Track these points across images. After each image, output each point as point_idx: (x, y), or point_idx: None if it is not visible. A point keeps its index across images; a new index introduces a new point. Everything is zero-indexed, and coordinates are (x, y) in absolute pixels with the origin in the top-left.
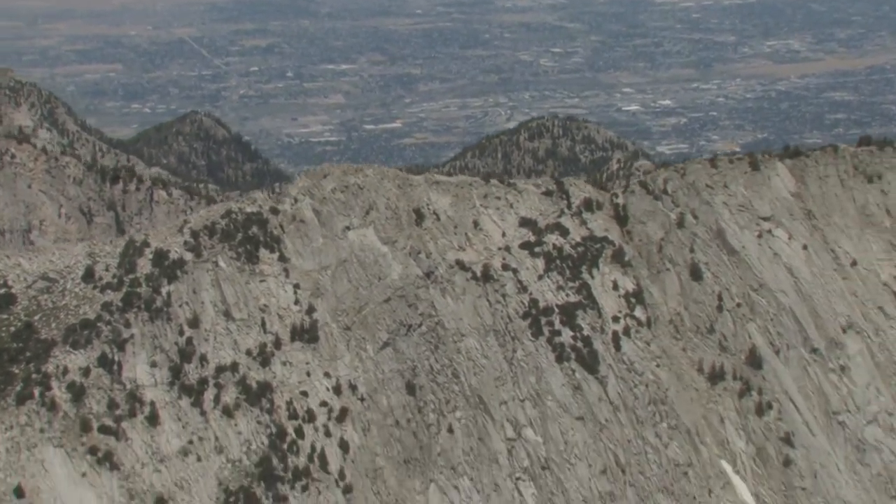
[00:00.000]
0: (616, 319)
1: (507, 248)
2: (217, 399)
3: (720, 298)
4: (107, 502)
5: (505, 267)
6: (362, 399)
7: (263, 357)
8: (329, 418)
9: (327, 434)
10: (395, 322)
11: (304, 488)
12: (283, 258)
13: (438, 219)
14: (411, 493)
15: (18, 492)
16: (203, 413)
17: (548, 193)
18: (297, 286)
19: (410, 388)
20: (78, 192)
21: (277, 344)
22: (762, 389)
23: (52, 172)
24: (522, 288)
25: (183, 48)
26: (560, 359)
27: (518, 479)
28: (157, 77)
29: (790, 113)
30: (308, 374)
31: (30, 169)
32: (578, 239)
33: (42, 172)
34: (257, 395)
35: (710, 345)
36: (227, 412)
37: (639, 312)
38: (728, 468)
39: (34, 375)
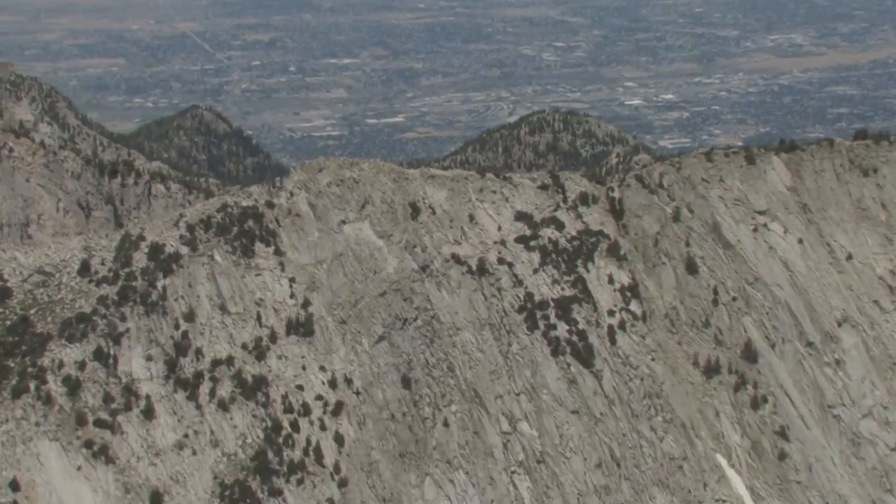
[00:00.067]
0: (611, 313)
1: (503, 242)
2: (212, 393)
3: (716, 292)
4: (102, 496)
5: (500, 261)
6: (358, 393)
7: (259, 351)
8: (324, 412)
9: (323, 428)
10: (391, 316)
11: (300, 482)
12: (278, 252)
13: (434, 213)
14: (406, 487)
15: (14, 485)
16: (198, 407)
17: (543, 187)
18: (292, 280)
19: (406, 382)
20: (76, 187)
21: (273, 338)
22: (757, 383)
23: (51, 166)
24: (518, 282)
25: (185, 42)
26: (555, 352)
27: (513, 472)
28: (160, 71)
29: (793, 107)
30: (303, 368)
31: (28, 163)
32: (574, 233)
33: (40, 166)
34: (253, 388)
35: (706, 338)
36: (223, 406)
37: (634, 306)
38: (723, 462)
39: (30, 369)
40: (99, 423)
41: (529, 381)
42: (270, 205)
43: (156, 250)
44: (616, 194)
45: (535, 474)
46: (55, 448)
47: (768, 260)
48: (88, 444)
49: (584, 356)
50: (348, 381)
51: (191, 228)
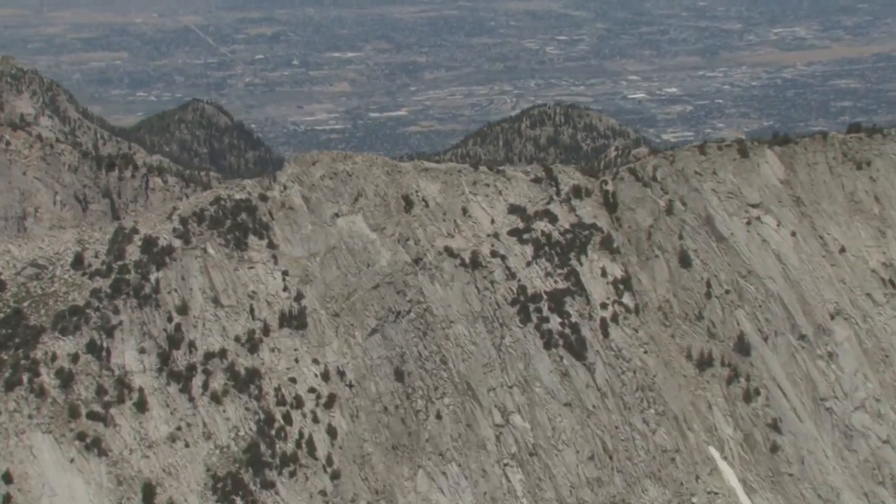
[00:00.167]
0: (604, 306)
1: (496, 235)
2: (205, 385)
3: (709, 285)
4: (95, 488)
5: (493, 254)
6: (350, 385)
7: (252, 343)
8: (317, 405)
9: (315, 420)
10: (384, 309)
11: (292, 474)
12: (271, 245)
13: (427, 206)
14: (399, 480)
15: (6, 477)
16: (191, 399)
17: (537, 180)
18: (285, 273)
19: (399, 375)
20: (73, 180)
21: (266, 330)
22: (750, 376)
23: (48, 160)
24: (511, 275)
25: (188, 36)
26: (548, 345)
27: (506, 465)
28: (163, 65)
29: (796, 101)
30: (296, 361)
31: (25, 156)
32: (567, 226)
33: (37, 160)
34: (245, 381)
35: (699, 331)
36: (216, 398)
37: (627, 299)
38: (715, 454)
39: (23, 362)
40: (92, 416)
41: (522, 374)
42: (264, 198)
43: (149, 243)
44: (609, 187)
45: (528, 467)
46: (48, 440)
47: (761, 253)
48: (81, 437)
49: (577, 349)
50: (341, 374)
51: (184, 221)
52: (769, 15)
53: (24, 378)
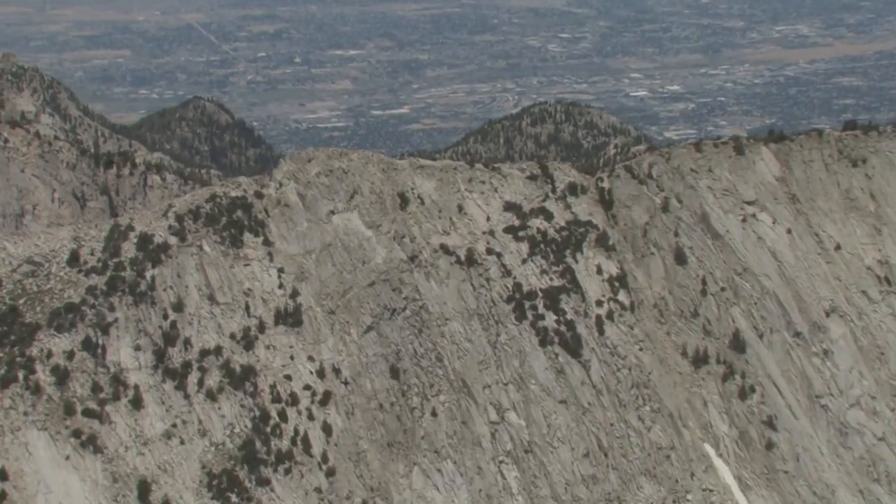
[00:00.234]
0: (600, 303)
1: (492, 233)
2: (201, 382)
3: (704, 282)
4: (90, 485)
5: (489, 251)
6: (346, 383)
7: (247, 341)
8: (312, 402)
9: (311, 417)
10: (379, 306)
11: (287, 471)
12: (267, 242)
13: (423, 203)
14: (395, 477)
15: (2, 475)
16: (187, 396)
17: (532, 178)
18: (281, 270)
19: (394, 372)
20: (71, 177)
21: (261, 328)
22: (745, 373)
23: (46, 157)
24: (506, 272)
25: (191, 34)
26: (543, 342)
27: (501, 462)
28: (166, 63)
29: (798, 98)
30: (292, 358)
31: (23, 153)
32: (563, 223)
33: (35, 157)
34: (241, 378)
35: (694, 329)
36: (211, 396)
37: (622, 296)
38: (711, 451)
39: (18, 359)
40: (87, 413)
41: (517, 371)
42: (259, 195)
43: (145, 240)
44: (605, 185)
45: (523, 464)
46: (44, 437)
47: (757, 250)
48: (77, 434)
49: (572, 346)
50: (336, 371)
51: (180, 219)
52: (772, 12)
53: (20, 375)
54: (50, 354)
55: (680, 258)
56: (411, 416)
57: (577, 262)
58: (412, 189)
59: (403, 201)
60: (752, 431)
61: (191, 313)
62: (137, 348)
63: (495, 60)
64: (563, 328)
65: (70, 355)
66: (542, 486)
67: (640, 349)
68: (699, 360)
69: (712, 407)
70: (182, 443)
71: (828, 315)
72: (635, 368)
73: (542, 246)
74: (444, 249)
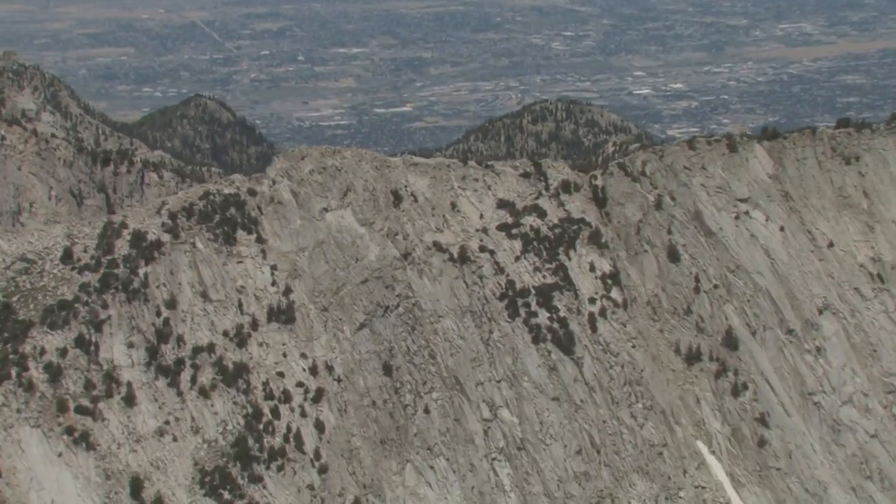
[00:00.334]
0: (592, 301)
1: (485, 230)
2: (193, 380)
3: (697, 280)
4: (83, 482)
5: (482, 248)
6: (339, 380)
7: (240, 338)
8: (305, 399)
9: (303, 415)
10: (372, 303)
11: (280, 468)
12: (260, 239)
13: (416, 200)
14: (387, 474)
15: None
16: (179, 394)
17: (525, 175)
18: (274, 267)
19: (387, 369)
20: (68, 175)
21: (254, 325)
22: (738, 370)
23: (43, 154)
24: (499, 269)
25: (195, 32)
26: (536, 340)
27: (494, 459)
28: (169, 61)
29: (802, 96)
30: (284, 355)
31: (20, 151)
32: (556, 221)
33: (32, 154)
34: (234, 375)
35: (687, 326)
36: (204, 393)
37: (615, 294)
38: (703, 448)
39: (11, 356)
40: (80, 410)
41: (510, 369)
42: (252, 192)
43: (138, 238)
44: (599, 182)
45: (516, 461)
46: (36, 434)
47: (750, 248)
48: (69, 431)
49: (565, 343)
50: (329, 369)
51: (173, 216)
52: (775, 10)
53: (13, 372)
54: (43, 351)
55: (673, 255)
56: (404, 414)
57: (570, 259)
58: (405, 186)
59: (397, 199)
60: (744, 428)
61: (184, 310)
62: (130, 345)
63: (498, 58)
64: (555, 325)
65: (63, 352)
66: (534, 483)
67: (633, 346)
68: (692, 358)
69: (705, 404)
70: (175, 440)
71: (820, 312)
72: (628, 365)
73: (535, 243)
74: (438, 247)
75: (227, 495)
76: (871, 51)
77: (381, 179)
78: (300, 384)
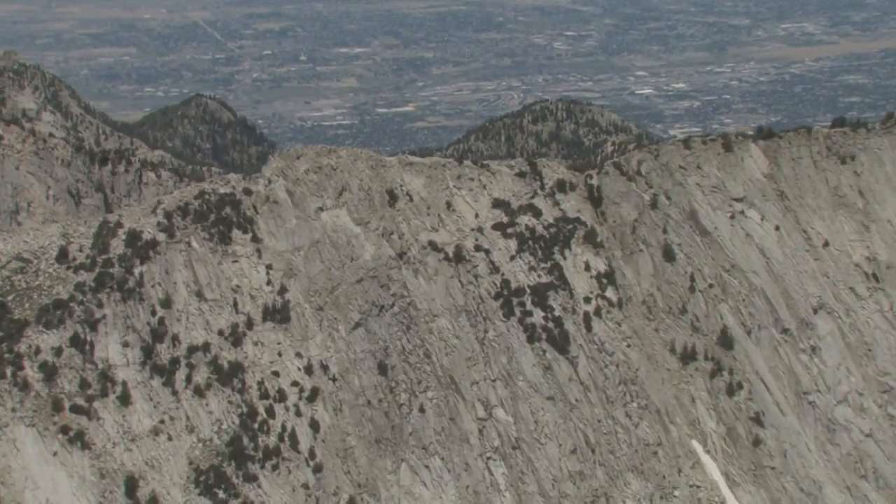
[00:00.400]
0: (587, 300)
1: (480, 229)
2: (189, 379)
3: (692, 279)
4: (78, 481)
5: (477, 248)
6: (334, 379)
7: (235, 337)
8: (300, 398)
9: (298, 414)
10: (368, 302)
11: (275, 467)
12: (255, 239)
13: (411, 200)
14: (382, 473)
15: None
16: (174, 393)
17: (521, 175)
18: (269, 267)
19: (382, 369)
20: (66, 174)
21: (249, 324)
22: (733, 369)
23: (41, 154)
24: (494, 269)
25: (197, 32)
26: (531, 339)
27: (489, 458)
28: (171, 61)
29: (804, 96)
30: (279, 355)
31: (18, 151)
32: (551, 220)
33: (30, 154)
34: (229, 375)
35: (682, 325)
36: (199, 392)
37: (610, 293)
38: (698, 447)
39: (6, 355)
40: (75, 409)
41: (505, 368)
42: (248, 192)
43: (133, 237)
44: (594, 181)
45: (511, 460)
46: (31, 433)
47: (745, 247)
48: (64, 430)
49: (560, 343)
50: (324, 368)
51: (168, 215)
52: (777, 10)
53: (8, 371)
54: (38, 351)
55: (668, 255)
56: (399, 413)
57: (565, 258)
58: (401, 186)
59: (392, 198)
60: (739, 428)
61: (179, 310)
62: (125, 345)
63: (500, 58)
64: (550, 325)
65: (58, 352)
66: (529, 483)
67: (628, 346)
68: (687, 357)
69: (700, 403)
70: (170, 439)
71: (815, 312)
72: (623, 365)
73: (530, 243)
74: (433, 246)
75: (221, 494)
76: (874, 51)
77: (376, 179)
78: (295, 383)
